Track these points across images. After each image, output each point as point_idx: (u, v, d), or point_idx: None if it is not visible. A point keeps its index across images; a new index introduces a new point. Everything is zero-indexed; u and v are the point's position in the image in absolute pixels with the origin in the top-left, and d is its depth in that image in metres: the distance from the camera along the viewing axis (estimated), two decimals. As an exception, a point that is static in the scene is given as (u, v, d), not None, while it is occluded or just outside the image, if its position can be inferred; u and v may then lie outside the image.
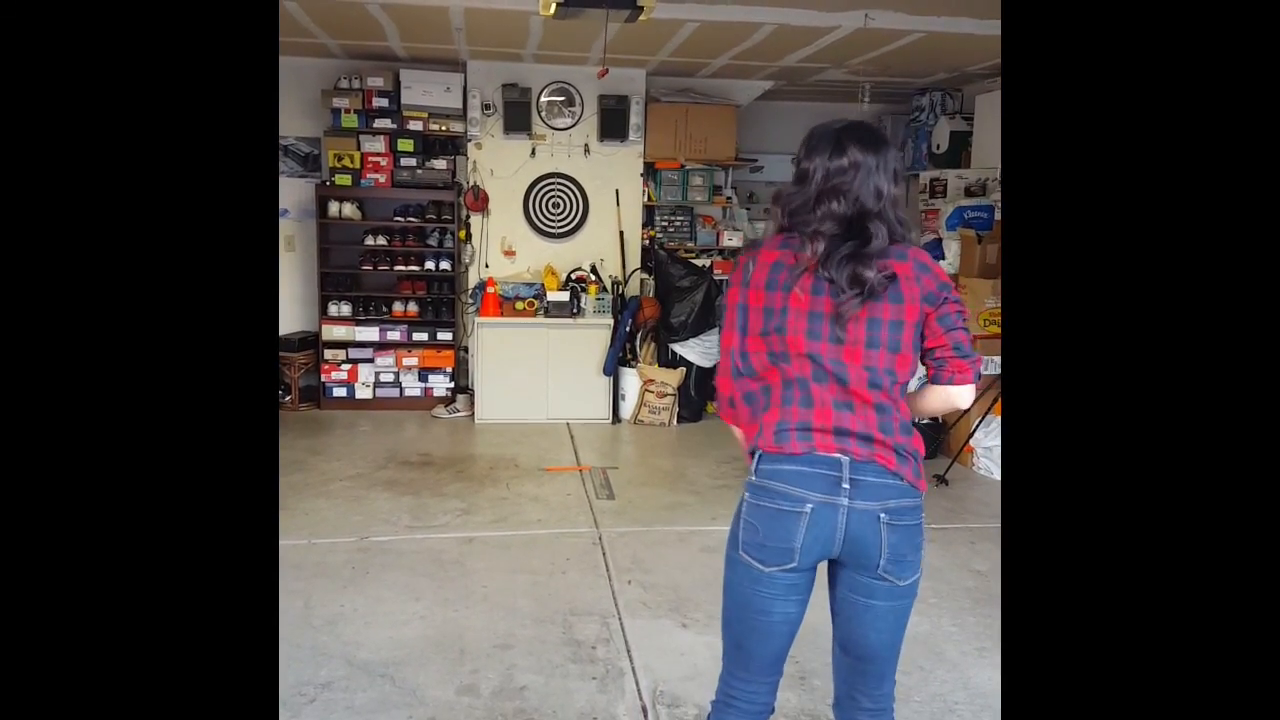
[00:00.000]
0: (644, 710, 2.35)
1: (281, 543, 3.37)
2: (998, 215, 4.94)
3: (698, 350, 5.47)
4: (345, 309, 5.55)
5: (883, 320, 1.47)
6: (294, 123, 5.58)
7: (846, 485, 1.45)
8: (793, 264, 1.49)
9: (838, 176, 1.48)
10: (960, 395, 1.54)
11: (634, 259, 5.75)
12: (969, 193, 5.18)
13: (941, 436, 4.64)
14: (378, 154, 5.46)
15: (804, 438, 1.47)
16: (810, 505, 1.44)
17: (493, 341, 5.35)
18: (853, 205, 1.48)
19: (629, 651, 2.64)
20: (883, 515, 1.46)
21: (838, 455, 1.46)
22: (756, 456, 1.52)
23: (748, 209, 6.39)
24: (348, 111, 5.40)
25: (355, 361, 5.56)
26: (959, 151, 5.58)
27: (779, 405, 1.50)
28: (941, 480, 4.30)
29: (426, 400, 5.64)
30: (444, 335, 5.66)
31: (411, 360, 5.60)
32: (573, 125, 5.60)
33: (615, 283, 5.61)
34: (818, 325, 1.47)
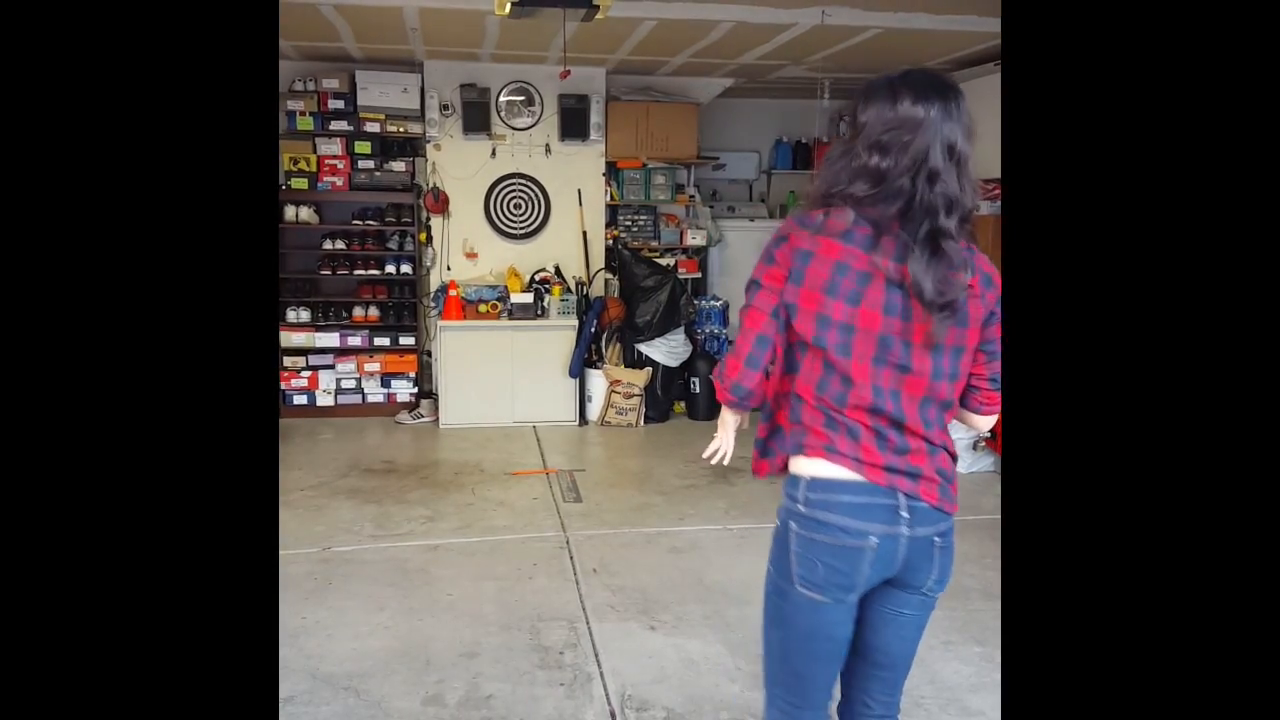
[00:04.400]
0: (612, 715, 2.33)
1: (240, 556, 3.29)
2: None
3: (663, 350, 5.46)
4: (304, 315, 5.44)
5: (946, 346, 1.33)
6: (247, 125, 5.46)
7: (905, 514, 1.36)
8: (863, 268, 1.29)
9: (894, 129, 1.28)
10: (984, 423, 1.46)
11: (598, 259, 5.73)
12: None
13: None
14: (334, 157, 5.36)
15: (855, 466, 1.34)
16: (874, 539, 1.34)
17: (456, 345, 5.29)
18: (914, 167, 1.27)
19: (597, 656, 2.62)
20: (937, 539, 1.40)
21: (889, 487, 1.35)
22: (803, 484, 1.38)
23: (711, 207, 6.40)
24: (303, 114, 5.29)
25: (315, 368, 5.46)
26: (917, 147, 5.64)
27: (823, 428, 1.36)
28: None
29: (390, 406, 5.55)
30: (406, 340, 5.57)
31: (373, 366, 5.52)
32: (533, 125, 5.56)
33: (579, 283, 5.57)
34: (885, 352, 1.32)
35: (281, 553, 3.36)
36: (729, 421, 1.59)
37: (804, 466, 1.39)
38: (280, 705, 2.32)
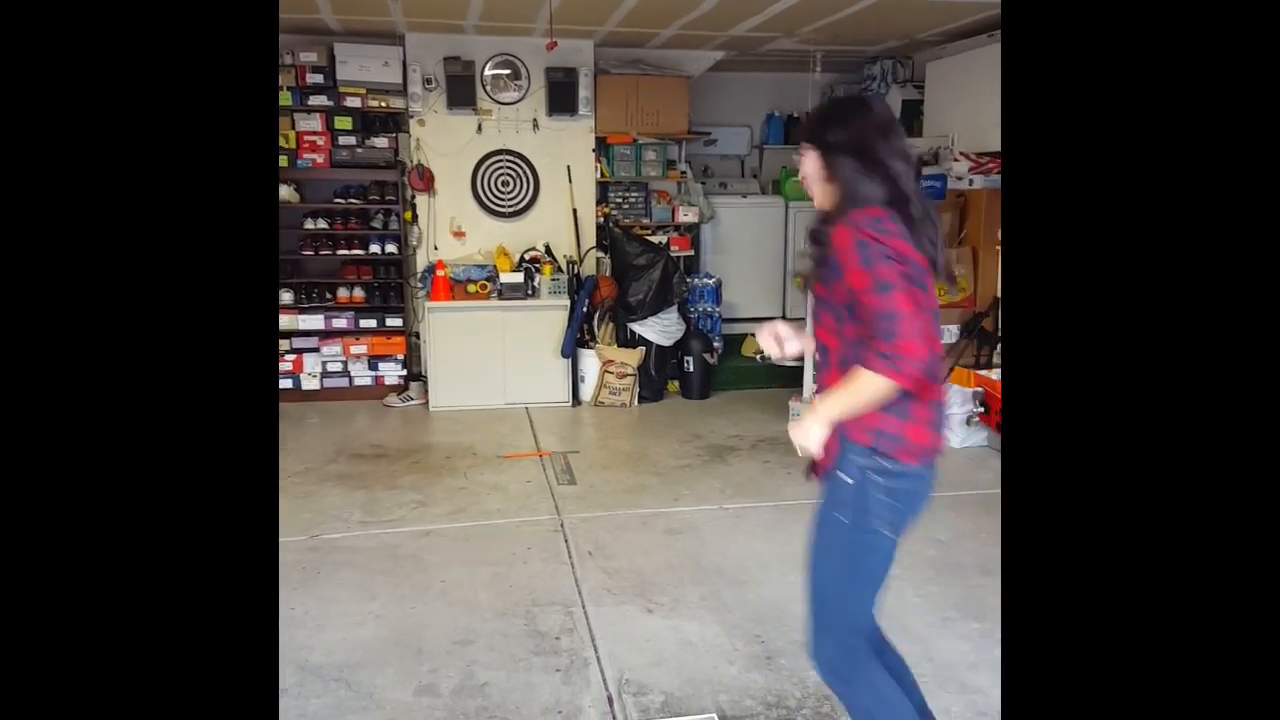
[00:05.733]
0: (610, 700, 2.28)
1: (226, 544, 3.22)
2: (950, 184, 4.93)
3: (656, 329, 5.38)
4: (286, 297, 5.32)
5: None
6: (224, 102, 5.31)
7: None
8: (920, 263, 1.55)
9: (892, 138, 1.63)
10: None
11: (589, 237, 5.63)
12: (921, 162, 5.15)
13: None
14: (314, 133, 5.22)
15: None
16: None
17: (445, 326, 5.19)
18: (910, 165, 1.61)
19: (594, 640, 2.57)
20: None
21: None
22: (902, 444, 1.58)
23: (703, 183, 6.30)
24: (280, 89, 5.14)
25: (299, 351, 5.35)
26: (911, 121, 5.56)
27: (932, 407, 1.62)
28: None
29: (378, 389, 5.46)
30: (393, 321, 5.47)
31: (360, 348, 5.41)
32: (520, 99, 5.43)
33: (570, 262, 5.48)
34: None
35: (269, 540, 3.29)
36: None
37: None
38: (269, 697, 2.26)
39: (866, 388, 1.49)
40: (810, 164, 1.66)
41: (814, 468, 1.71)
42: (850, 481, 1.60)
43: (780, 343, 1.79)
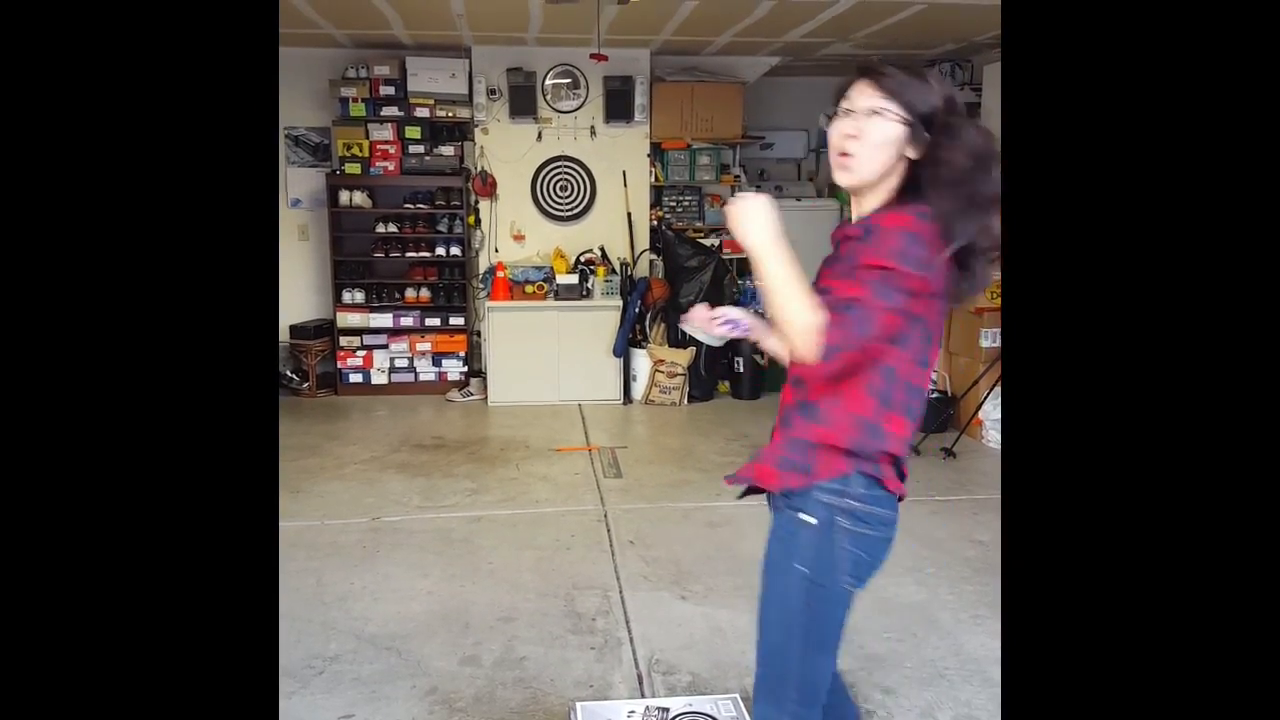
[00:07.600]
0: (639, 678, 2.41)
1: (295, 524, 3.48)
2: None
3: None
4: (359, 296, 5.65)
5: None
6: (304, 113, 5.66)
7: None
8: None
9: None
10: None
11: (642, 240, 5.78)
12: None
13: (950, 410, 4.63)
14: (386, 142, 5.53)
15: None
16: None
17: (504, 325, 5.42)
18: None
19: (628, 623, 2.70)
20: None
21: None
22: (861, 481, 1.33)
23: (758, 186, 6.37)
24: (355, 100, 5.47)
25: (370, 348, 5.66)
26: (969, 122, 5.51)
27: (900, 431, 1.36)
28: (949, 453, 4.29)
29: (441, 384, 5.73)
30: (456, 320, 5.73)
31: (425, 345, 5.69)
32: (578, 107, 5.62)
33: (624, 264, 5.64)
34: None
35: (333, 522, 3.54)
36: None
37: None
38: (327, 663, 2.47)
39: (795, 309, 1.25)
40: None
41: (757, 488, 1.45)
42: (814, 523, 1.34)
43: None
